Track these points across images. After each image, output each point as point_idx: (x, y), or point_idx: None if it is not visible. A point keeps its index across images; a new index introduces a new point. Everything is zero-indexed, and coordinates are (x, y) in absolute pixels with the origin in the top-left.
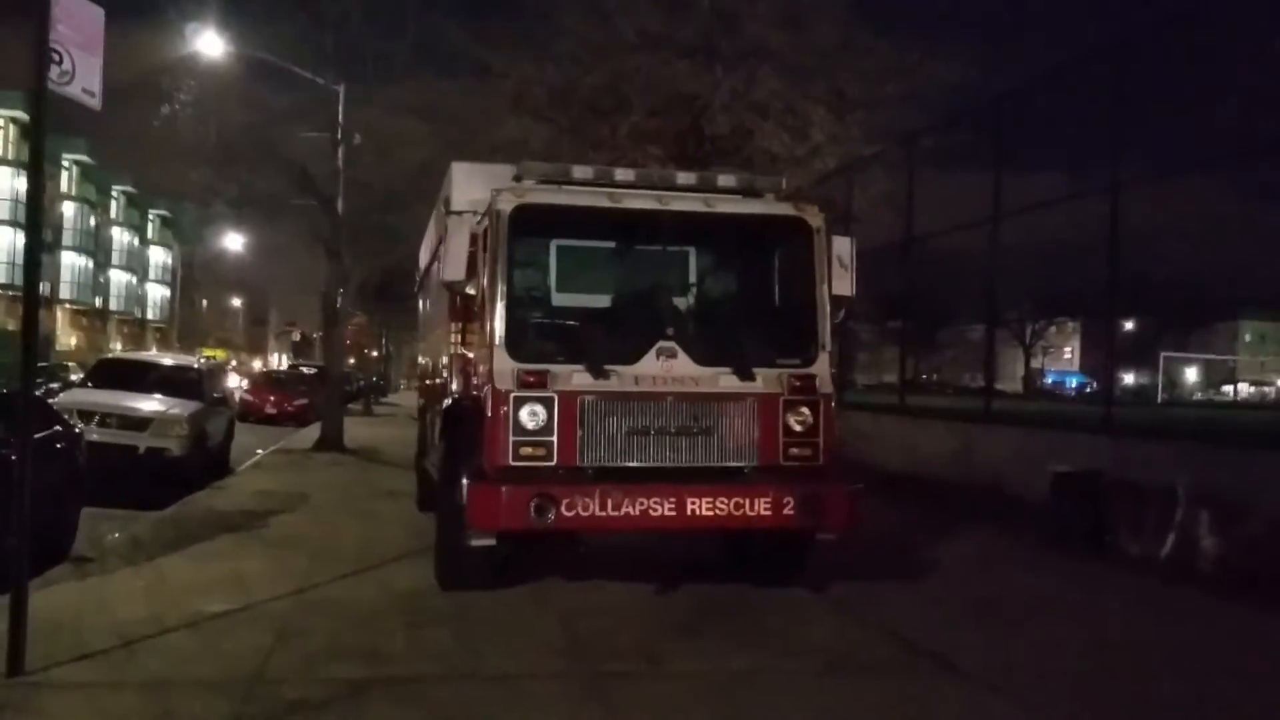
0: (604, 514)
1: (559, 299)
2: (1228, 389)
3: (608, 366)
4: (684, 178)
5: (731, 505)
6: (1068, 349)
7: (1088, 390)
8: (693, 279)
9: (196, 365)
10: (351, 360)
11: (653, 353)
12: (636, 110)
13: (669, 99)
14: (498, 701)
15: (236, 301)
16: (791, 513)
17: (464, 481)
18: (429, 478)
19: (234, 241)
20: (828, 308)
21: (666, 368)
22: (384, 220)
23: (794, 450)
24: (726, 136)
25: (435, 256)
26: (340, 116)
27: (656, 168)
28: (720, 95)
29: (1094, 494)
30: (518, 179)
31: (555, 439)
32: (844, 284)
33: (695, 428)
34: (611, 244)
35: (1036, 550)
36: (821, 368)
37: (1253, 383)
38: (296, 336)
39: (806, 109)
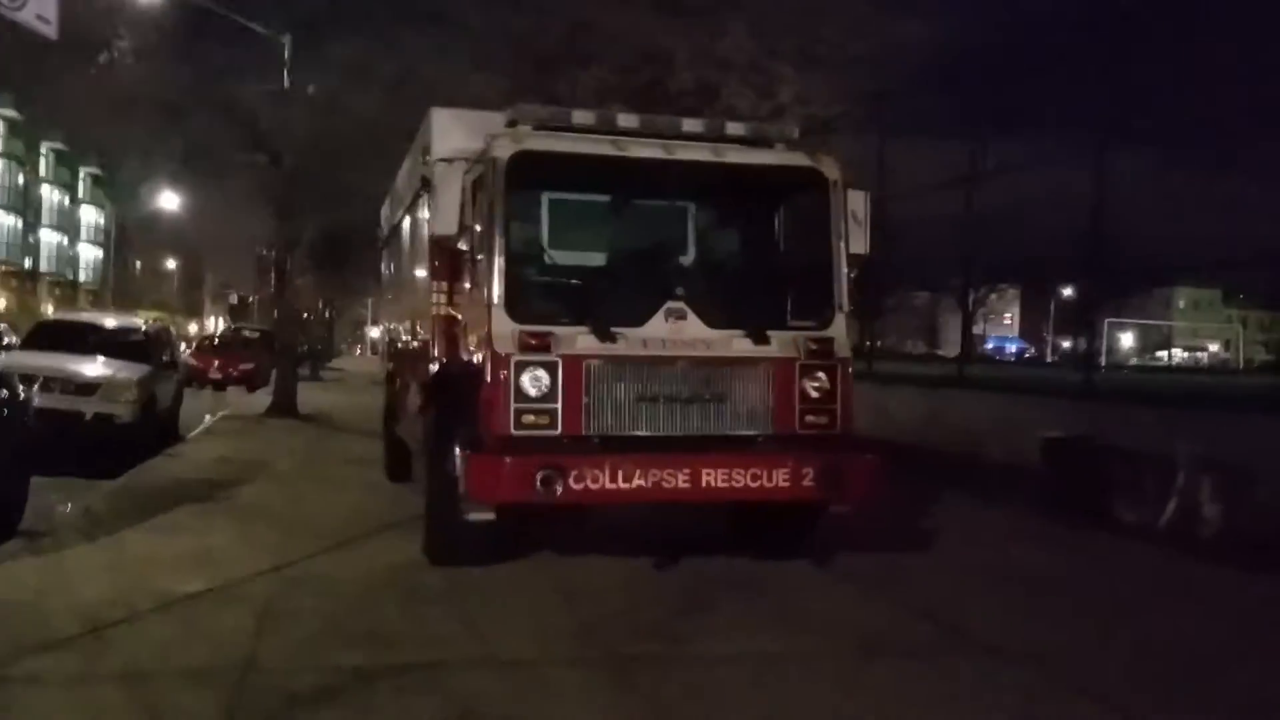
0: (614, 486)
1: (559, 255)
2: (1162, 354)
3: (614, 329)
4: (690, 125)
5: (748, 477)
6: (1007, 315)
7: (1026, 355)
8: (701, 234)
9: (143, 327)
10: None
11: (661, 314)
12: (598, 65)
13: (633, 53)
14: (521, 691)
15: (171, 264)
16: (811, 484)
17: (458, 451)
18: (400, 445)
19: (170, 201)
20: (845, 266)
21: (676, 330)
22: (335, 178)
23: (810, 418)
24: (691, 93)
25: (409, 210)
26: (287, 69)
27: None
28: (686, 49)
29: (1087, 460)
30: (512, 124)
31: (560, 406)
32: (859, 240)
33: (707, 394)
34: (616, 196)
35: (1032, 518)
36: (839, 330)
37: (1186, 348)
38: (234, 299)
39: (773, 67)
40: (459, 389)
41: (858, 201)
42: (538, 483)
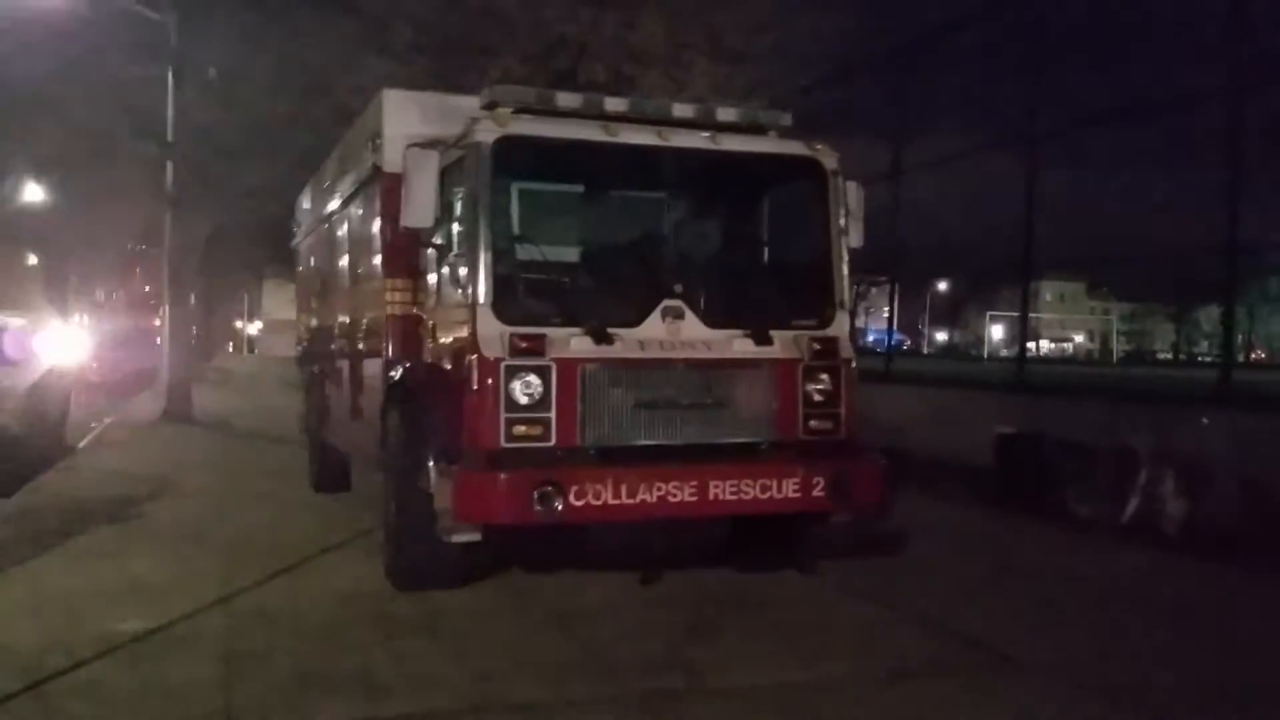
0: (617, 502)
1: (547, 250)
2: (1030, 345)
3: (609, 329)
4: (680, 110)
5: (758, 488)
6: (886, 309)
7: (904, 348)
8: (695, 227)
9: (26, 327)
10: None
11: (657, 313)
12: (506, 53)
13: (543, 42)
14: None
15: (33, 259)
16: (822, 494)
17: (433, 465)
18: (330, 453)
19: (33, 193)
20: (845, 261)
21: (673, 330)
22: (233, 169)
23: (814, 423)
24: (604, 85)
25: (349, 200)
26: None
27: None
28: (598, 37)
29: (1041, 455)
30: (489, 106)
31: (554, 415)
32: (854, 234)
33: (708, 399)
34: (606, 185)
35: (997, 515)
36: (841, 329)
37: (1053, 339)
38: (100, 297)
39: (688, 58)
40: (429, 396)
41: (851, 193)
42: (535, 501)
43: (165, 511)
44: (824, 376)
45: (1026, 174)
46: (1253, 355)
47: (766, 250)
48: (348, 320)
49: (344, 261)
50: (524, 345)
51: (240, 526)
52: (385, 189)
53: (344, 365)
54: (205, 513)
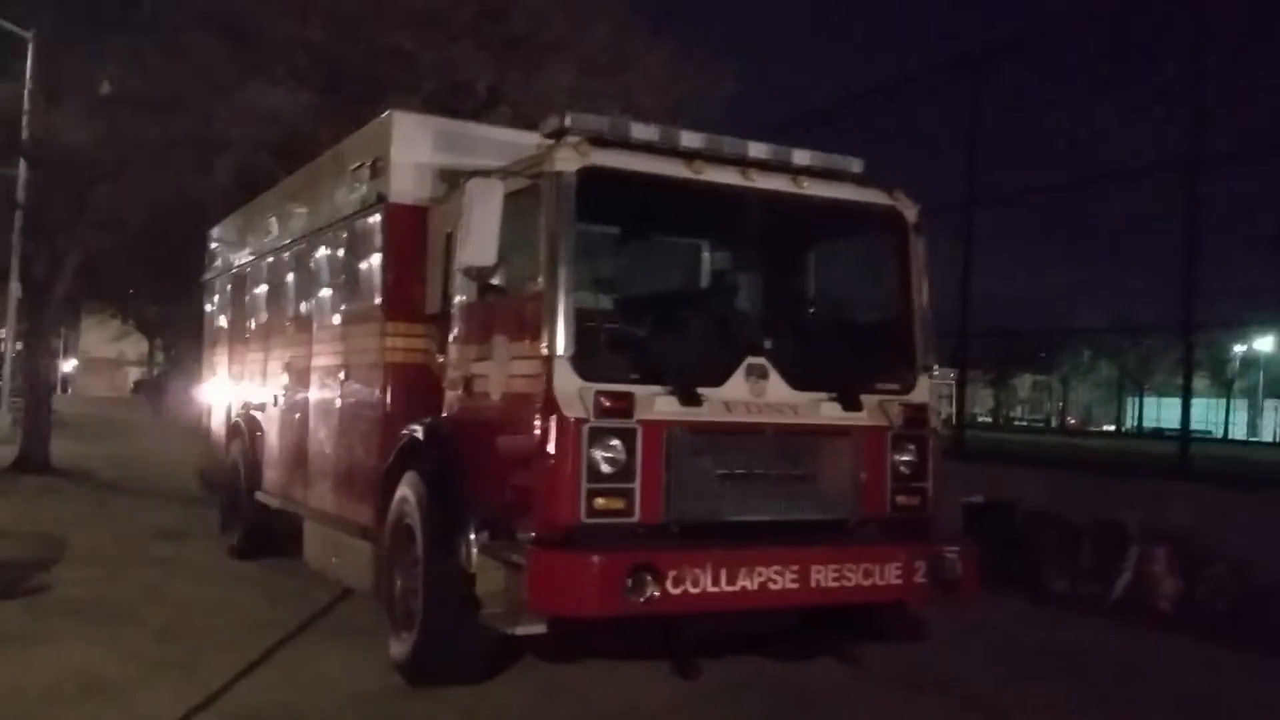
0: (716, 590)
1: (625, 297)
2: None
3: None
4: (756, 149)
5: (860, 574)
6: None
7: None
8: (776, 277)
9: None
10: None
11: (741, 371)
12: (405, 92)
13: (445, 84)
14: None
15: None
16: (924, 580)
17: (473, 540)
18: (262, 516)
19: None
20: (927, 320)
21: (757, 390)
22: (113, 195)
23: (901, 499)
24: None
25: (327, 233)
26: (30, 67)
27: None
28: (491, 80)
29: (1012, 527)
30: (559, 134)
31: (638, 486)
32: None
33: (796, 469)
34: (688, 227)
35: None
36: (925, 394)
37: None
38: None
39: (599, 107)
40: (466, 460)
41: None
42: (628, 587)
43: (73, 583)
44: (911, 447)
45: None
46: (1068, 421)
47: (845, 305)
48: (313, 366)
49: (309, 300)
50: (610, 405)
51: (172, 603)
52: (390, 220)
53: (303, 417)
54: (120, 584)
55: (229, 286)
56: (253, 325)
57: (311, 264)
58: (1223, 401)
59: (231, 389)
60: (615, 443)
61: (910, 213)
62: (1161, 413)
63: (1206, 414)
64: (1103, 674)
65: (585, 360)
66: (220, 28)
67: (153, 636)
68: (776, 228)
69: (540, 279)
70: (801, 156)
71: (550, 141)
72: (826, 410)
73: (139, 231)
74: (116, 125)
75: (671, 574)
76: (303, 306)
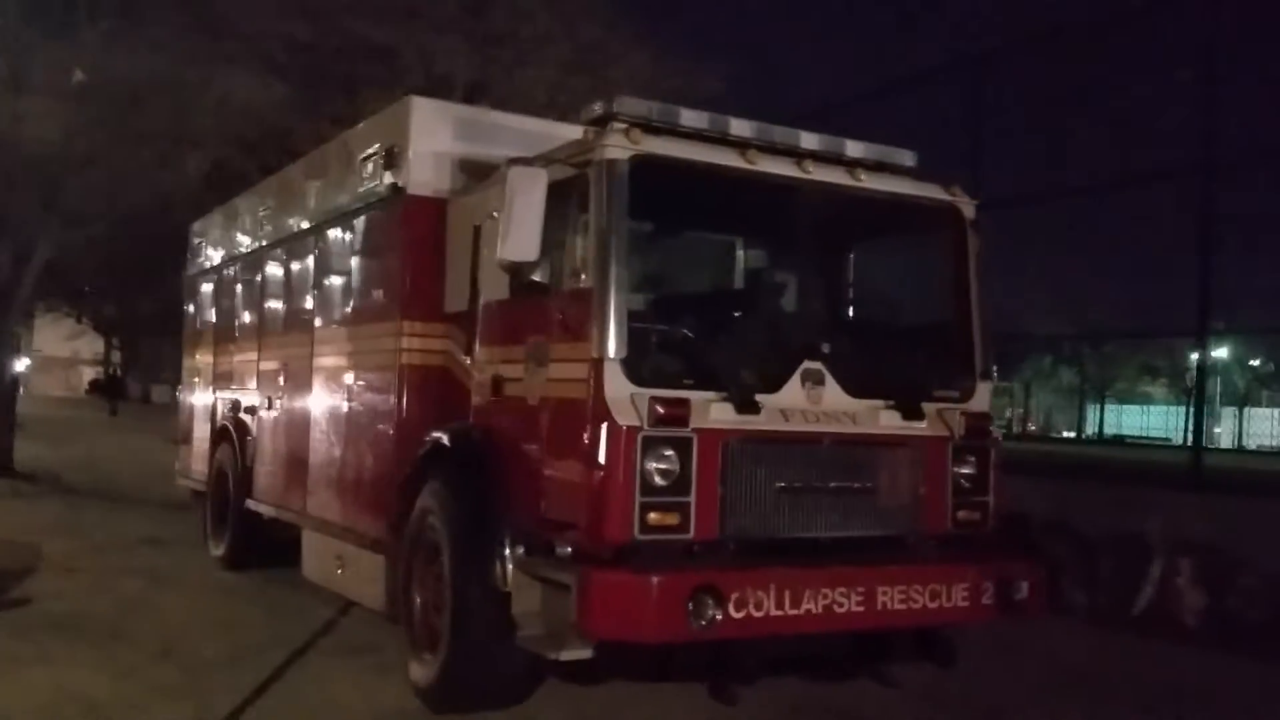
0: (779, 613)
1: (677, 296)
2: None
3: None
4: (808, 139)
5: (927, 595)
6: None
7: None
8: (831, 276)
9: None
10: None
11: (797, 377)
12: (383, 86)
13: (424, 79)
14: None
15: None
16: (991, 602)
17: (508, 556)
18: (253, 525)
19: None
20: (986, 323)
21: (814, 397)
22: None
23: (963, 513)
24: None
25: (330, 227)
26: None
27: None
28: (472, 75)
29: (1031, 541)
30: (601, 119)
31: (693, 500)
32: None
33: (855, 482)
34: (742, 221)
35: None
36: (984, 402)
37: None
38: None
39: (580, 104)
40: (501, 470)
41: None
42: (690, 611)
43: (53, 596)
44: (972, 459)
45: None
46: (1028, 427)
47: (899, 306)
48: (315, 367)
49: (310, 297)
50: (665, 412)
51: (162, 618)
52: (408, 214)
53: (304, 421)
54: (104, 597)
55: (215, 283)
56: (243, 324)
57: (313, 259)
58: (1181, 409)
59: (217, 391)
60: (670, 453)
61: (968, 209)
62: (1123, 419)
63: (1166, 421)
64: (1149, 694)
65: (637, 363)
66: (193, 17)
67: (147, 655)
68: (830, 223)
69: (588, 275)
70: (855, 148)
71: (595, 128)
72: (885, 419)
73: (104, 228)
74: (86, 117)
75: (734, 596)
76: (303, 304)
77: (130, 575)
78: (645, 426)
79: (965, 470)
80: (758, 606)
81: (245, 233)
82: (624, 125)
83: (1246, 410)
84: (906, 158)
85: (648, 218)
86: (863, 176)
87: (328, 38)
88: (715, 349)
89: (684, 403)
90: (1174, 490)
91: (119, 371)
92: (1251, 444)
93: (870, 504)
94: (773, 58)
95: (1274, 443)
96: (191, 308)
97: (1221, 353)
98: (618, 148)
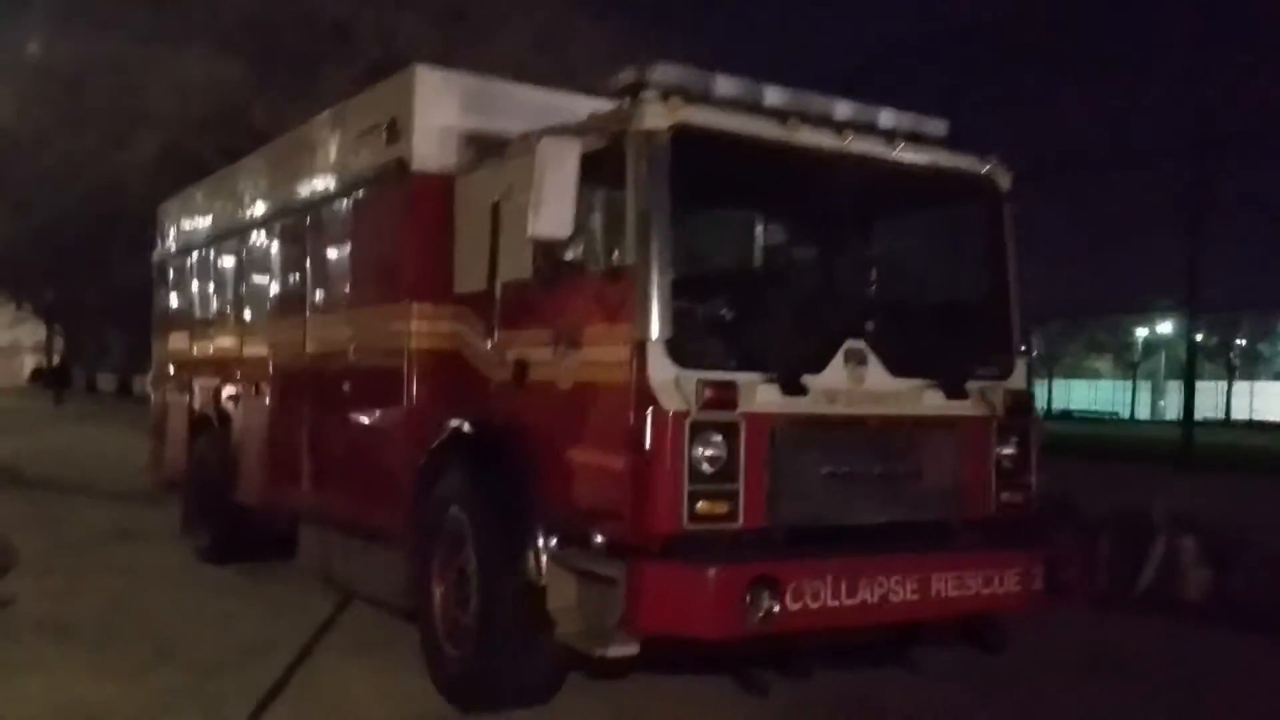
0: (836, 604)
1: (716, 273)
2: None
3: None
4: (842, 108)
5: (979, 582)
6: None
7: None
8: (873, 251)
9: None
10: None
11: (840, 356)
12: (342, 63)
13: (385, 56)
14: None
15: None
16: (1040, 587)
17: (541, 548)
18: (238, 517)
19: None
20: (1019, 298)
21: (856, 378)
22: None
23: (1006, 495)
24: None
25: (330, 203)
26: None
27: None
28: (434, 52)
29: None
30: (633, 87)
31: (741, 487)
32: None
33: (900, 466)
34: (781, 195)
35: None
36: (1022, 380)
37: None
38: None
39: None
40: (532, 459)
41: None
42: (748, 604)
43: (35, 596)
44: (1015, 439)
45: None
46: None
47: (938, 282)
48: (309, 352)
49: (300, 280)
50: (714, 396)
51: (153, 617)
52: (415, 191)
53: (296, 409)
54: (88, 597)
55: (191, 265)
56: (223, 308)
57: (306, 239)
58: (1128, 384)
59: (195, 378)
60: (718, 438)
61: (1005, 181)
62: (1071, 394)
63: (1112, 396)
64: (1162, 672)
65: (681, 345)
66: None
67: (145, 658)
68: (867, 196)
69: (626, 253)
70: (888, 117)
71: (627, 98)
72: (929, 399)
73: (50, 213)
74: (36, 96)
75: (791, 587)
76: (293, 286)
77: (111, 572)
78: (692, 411)
79: (1008, 451)
80: (815, 598)
81: (225, 212)
82: (658, 94)
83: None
84: (939, 127)
85: (686, 191)
86: (901, 147)
87: (284, 12)
88: (756, 328)
89: (732, 386)
90: (1154, 466)
91: (62, 360)
92: (1197, 416)
93: (916, 488)
94: (740, 38)
95: (1218, 415)
96: (163, 291)
97: (1166, 328)
98: (657, 116)
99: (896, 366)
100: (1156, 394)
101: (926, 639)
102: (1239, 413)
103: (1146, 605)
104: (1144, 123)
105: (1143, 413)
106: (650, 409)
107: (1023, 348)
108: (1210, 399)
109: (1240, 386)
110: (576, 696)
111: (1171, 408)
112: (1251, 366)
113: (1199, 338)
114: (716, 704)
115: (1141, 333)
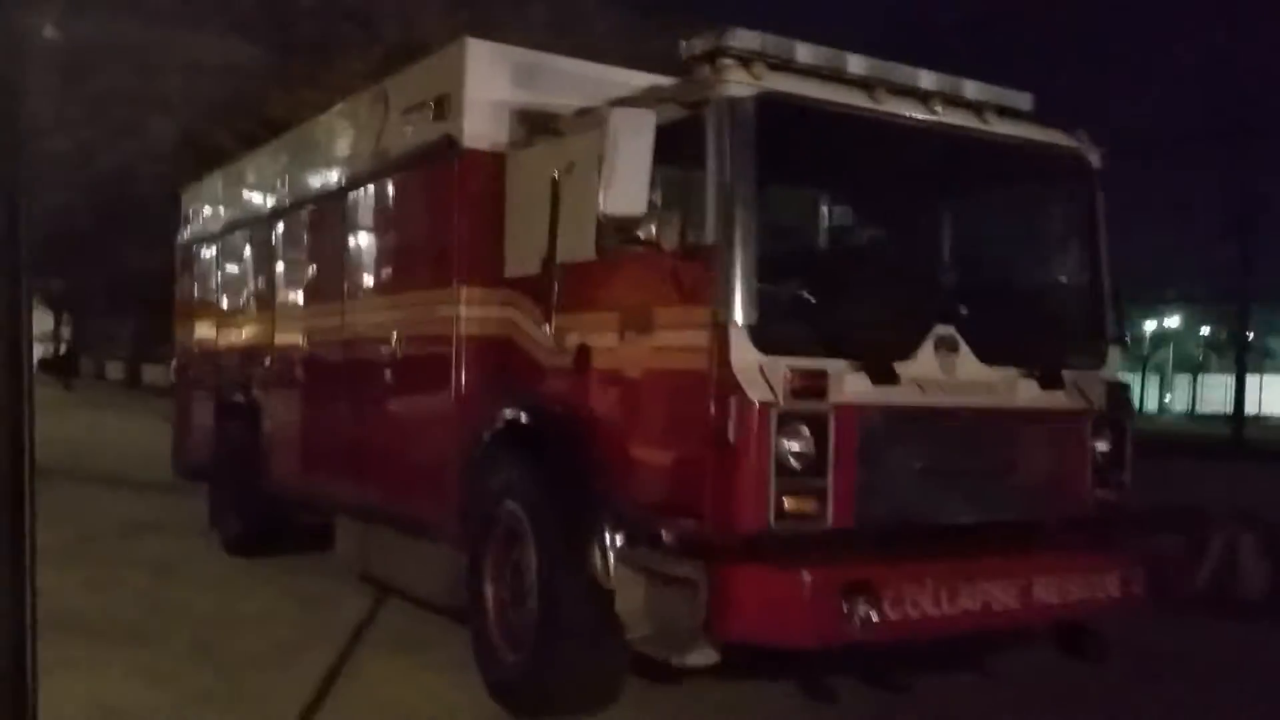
0: (936, 611)
1: (801, 253)
2: None
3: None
4: (926, 79)
5: (1082, 585)
6: None
7: None
8: (964, 232)
9: None
10: None
11: (929, 343)
12: (360, 48)
13: (402, 40)
14: None
15: None
16: (1139, 589)
17: (607, 547)
18: (267, 507)
19: None
20: (1113, 282)
21: (948, 366)
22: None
23: (1102, 492)
24: None
25: (366, 183)
26: None
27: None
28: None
29: None
30: (709, 55)
31: (830, 483)
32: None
33: (994, 462)
34: (869, 170)
35: None
36: (1116, 370)
37: None
38: None
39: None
40: (587, 448)
41: None
42: (844, 612)
43: (56, 591)
44: (1110, 432)
45: None
46: None
47: (1027, 265)
48: (347, 339)
49: (339, 262)
50: (803, 384)
51: (183, 613)
52: (464, 169)
53: (335, 397)
54: (114, 592)
55: (217, 251)
56: (255, 292)
57: (343, 222)
58: (1135, 376)
59: (224, 365)
60: (807, 430)
61: (1095, 157)
62: None
63: None
64: (1241, 676)
65: (765, 329)
66: None
67: (178, 657)
68: (955, 171)
69: (706, 230)
70: (973, 89)
71: (706, 66)
72: (1023, 390)
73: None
74: (44, 80)
75: (890, 593)
76: (329, 270)
77: (136, 566)
78: (780, 401)
79: (1103, 445)
80: (914, 605)
81: (254, 196)
82: (729, 62)
83: (1201, 377)
84: (1025, 100)
85: (770, 164)
86: (990, 119)
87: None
88: (842, 312)
89: (823, 374)
90: (1186, 461)
91: (70, 348)
92: (1205, 409)
93: (1010, 486)
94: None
95: (1227, 409)
96: (187, 277)
97: (1174, 322)
98: (740, 85)
99: (988, 354)
100: (1164, 387)
101: (1000, 643)
102: (1248, 406)
103: (1204, 603)
104: (1143, 121)
105: (1148, 406)
106: (734, 398)
107: (1118, 335)
108: (1219, 393)
109: (1248, 380)
110: (623, 706)
111: (1179, 401)
112: (1259, 360)
113: (1206, 330)
114: (781, 716)
115: (1149, 325)
